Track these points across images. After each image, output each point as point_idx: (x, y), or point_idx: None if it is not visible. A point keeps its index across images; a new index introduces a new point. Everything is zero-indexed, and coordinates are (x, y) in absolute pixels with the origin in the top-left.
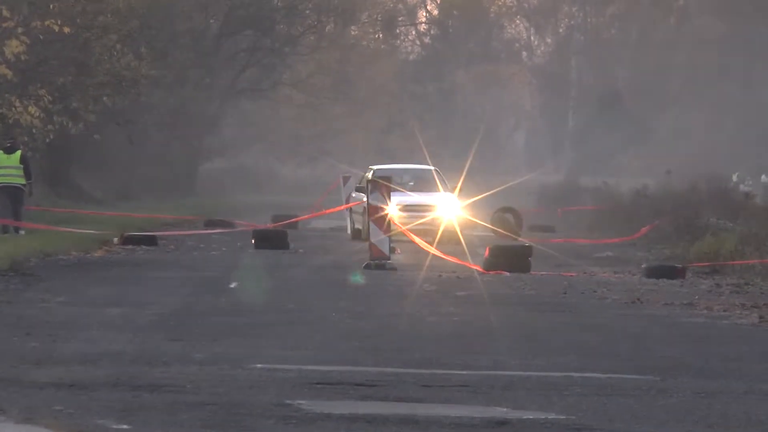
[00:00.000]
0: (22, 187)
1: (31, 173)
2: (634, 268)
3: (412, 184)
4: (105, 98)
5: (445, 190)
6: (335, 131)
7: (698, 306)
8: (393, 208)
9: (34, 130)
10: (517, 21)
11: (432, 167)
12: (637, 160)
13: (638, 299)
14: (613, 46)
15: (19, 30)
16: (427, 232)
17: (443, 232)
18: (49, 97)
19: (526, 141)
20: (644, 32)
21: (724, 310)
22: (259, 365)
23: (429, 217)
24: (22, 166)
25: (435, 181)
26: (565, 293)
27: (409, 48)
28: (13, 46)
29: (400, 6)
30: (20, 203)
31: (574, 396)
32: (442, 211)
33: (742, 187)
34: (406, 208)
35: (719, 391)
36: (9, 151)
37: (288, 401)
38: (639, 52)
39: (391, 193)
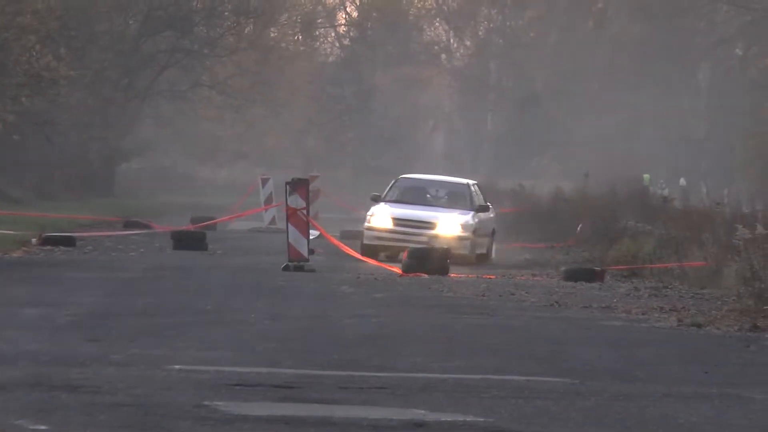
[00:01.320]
0: None
1: None
2: (553, 271)
3: (445, 199)
4: (23, 99)
5: (479, 208)
6: (254, 133)
7: (617, 309)
8: (383, 219)
9: None
10: (437, 23)
11: (469, 181)
12: (556, 162)
13: (557, 302)
14: (531, 49)
15: None
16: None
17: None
18: None
19: (445, 142)
20: (562, 35)
21: (643, 313)
22: (176, 366)
23: (426, 236)
24: None
25: (468, 196)
26: (483, 295)
27: (329, 50)
28: None
29: (320, 8)
30: None
31: (492, 398)
32: (445, 230)
33: (657, 191)
34: (400, 222)
35: (637, 394)
36: None
37: (206, 402)
38: (557, 55)
39: (391, 204)
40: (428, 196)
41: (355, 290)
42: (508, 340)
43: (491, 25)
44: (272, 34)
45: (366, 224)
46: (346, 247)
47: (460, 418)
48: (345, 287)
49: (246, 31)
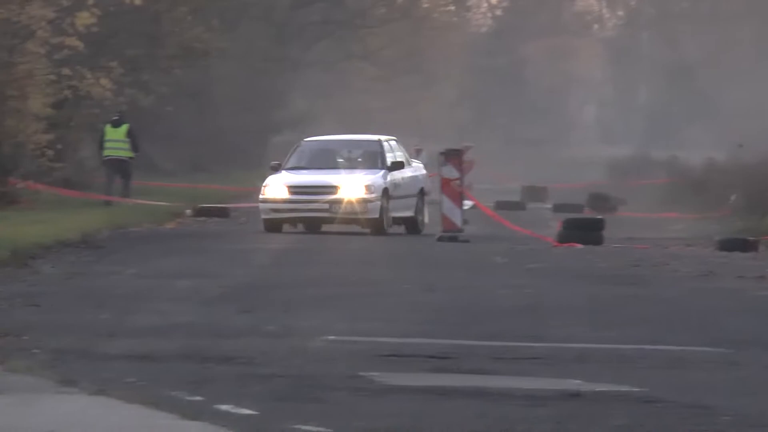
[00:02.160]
0: (128, 160)
1: (138, 146)
2: (706, 241)
3: (353, 160)
4: (176, 70)
5: (392, 166)
6: (406, 104)
7: None
8: (278, 189)
9: (105, 102)
10: None
11: (382, 137)
12: (708, 133)
13: (710, 272)
14: (683, 18)
15: (90, 2)
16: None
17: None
18: (121, 70)
19: (597, 113)
20: (714, 4)
21: None
22: (330, 337)
23: (327, 201)
24: (128, 139)
25: (379, 154)
26: (637, 266)
27: (480, 20)
28: (84, 18)
29: None
30: (128, 176)
31: (646, 368)
32: (347, 193)
33: None
34: (296, 190)
35: None
36: (116, 124)
37: (360, 373)
38: (709, 24)
39: (291, 171)
40: (336, 159)
41: (509, 261)
42: (661, 311)
43: None
44: (424, 5)
45: (260, 196)
46: (500, 218)
47: (615, 388)
48: (498, 258)
49: (398, 1)
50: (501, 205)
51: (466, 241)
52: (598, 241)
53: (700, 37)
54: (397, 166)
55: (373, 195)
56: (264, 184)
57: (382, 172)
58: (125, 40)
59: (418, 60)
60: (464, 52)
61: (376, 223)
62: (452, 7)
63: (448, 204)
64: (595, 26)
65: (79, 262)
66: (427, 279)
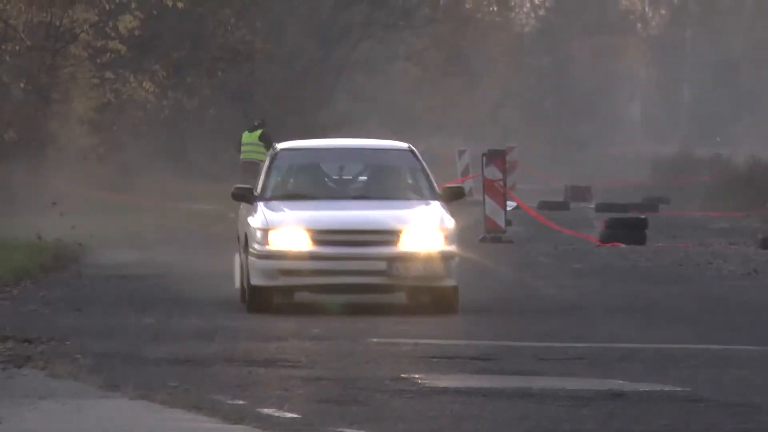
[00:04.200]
0: (260, 162)
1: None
2: (750, 240)
3: (363, 178)
4: (219, 72)
5: (450, 193)
6: (450, 105)
7: None
8: (293, 237)
9: (148, 106)
10: None
11: (407, 145)
12: (753, 130)
13: (754, 270)
14: (728, 15)
15: (133, 5)
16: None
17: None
18: (164, 73)
19: (642, 112)
20: (759, 0)
21: None
22: (374, 339)
23: (384, 258)
24: (261, 143)
25: (422, 172)
26: (680, 265)
27: (524, 20)
28: (127, 21)
29: None
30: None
31: (690, 367)
32: (416, 241)
33: None
34: (326, 238)
35: None
36: (252, 129)
37: (404, 375)
38: (755, 20)
39: (282, 203)
40: (354, 181)
41: (553, 261)
42: (705, 309)
43: None
44: (468, 6)
45: (257, 246)
46: (544, 218)
47: (659, 387)
48: (542, 258)
49: (441, 2)
50: (544, 205)
51: (510, 242)
52: (641, 240)
53: (746, 34)
54: (455, 195)
55: (453, 248)
56: (259, 227)
57: (440, 204)
58: (169, 43)
59: (461, 61)
60: (508, 52)
61: (451, 298)
62: (495, 8)
63: (491, 205)
64: (638, 25)
65: (127, 265)
66: (470, 280)
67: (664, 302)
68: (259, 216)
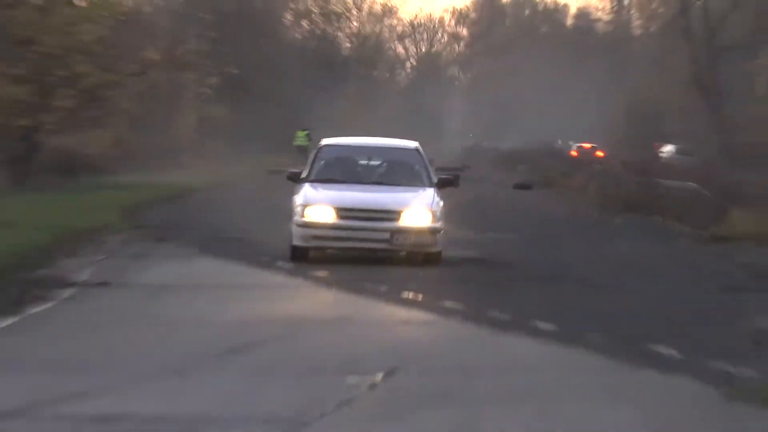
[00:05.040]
0: (305, 146)
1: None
2: (509, 185)
3: (381, 171)
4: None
5: (440, 182)
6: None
7: None
8: (323, 212)
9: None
10: None
11: (414, 145)
12: (514, 129)
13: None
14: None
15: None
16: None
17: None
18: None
19: (460, 126)
20: None
21: None
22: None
23: (389, 230)
24: (306, 137)
25: (423, 166)
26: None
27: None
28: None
29: None
30: (306, 157)
31: None
32: (412, 221)
33: None
34: (348, 214)
35: None
36: (302, 129)
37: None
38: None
39: (322, 186)
40: (375, 171)
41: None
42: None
43: None
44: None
45: (297, 218)
46: None
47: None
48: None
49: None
50: None
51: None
52: (456, 184)
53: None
54: (447, 182)
55: (439, 224)
56: (300, 203)
57: (434, 191)
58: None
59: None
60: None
61: (437, 258)
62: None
63: None
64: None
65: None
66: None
67: None
68: (302, 195)
